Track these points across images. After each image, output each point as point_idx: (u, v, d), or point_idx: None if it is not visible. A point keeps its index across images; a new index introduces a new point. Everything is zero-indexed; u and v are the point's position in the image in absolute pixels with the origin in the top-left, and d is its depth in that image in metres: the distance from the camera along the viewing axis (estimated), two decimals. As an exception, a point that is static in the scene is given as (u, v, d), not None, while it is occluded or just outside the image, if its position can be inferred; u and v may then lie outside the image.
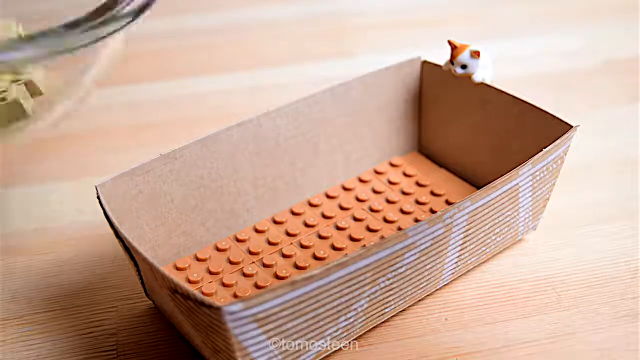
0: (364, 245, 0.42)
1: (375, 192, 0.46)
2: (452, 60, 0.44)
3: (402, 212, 0.45)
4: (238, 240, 0.42)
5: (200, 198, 0.42)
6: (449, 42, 0.44)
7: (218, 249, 0.42)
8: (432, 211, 0.45)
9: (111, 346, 0.38)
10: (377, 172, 0.48)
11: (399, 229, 0.43)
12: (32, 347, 0.38)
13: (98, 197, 0.36)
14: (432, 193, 0.46)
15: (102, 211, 0.36)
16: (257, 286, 0.39)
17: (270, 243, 0.42)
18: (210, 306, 0.29)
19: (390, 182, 0.47)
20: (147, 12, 0.35)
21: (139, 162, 0.39)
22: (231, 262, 0.41)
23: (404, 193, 0.46)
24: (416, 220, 0.44)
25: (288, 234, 0.43)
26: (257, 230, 0.43)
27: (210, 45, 0.71)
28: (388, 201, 0.45)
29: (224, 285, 0.39)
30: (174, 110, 0.60)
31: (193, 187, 0.42)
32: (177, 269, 0.41)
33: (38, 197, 0.50)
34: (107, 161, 0.53)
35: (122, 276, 0.43)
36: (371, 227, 0.43)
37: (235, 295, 0.39)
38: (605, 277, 0.41)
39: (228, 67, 0.66)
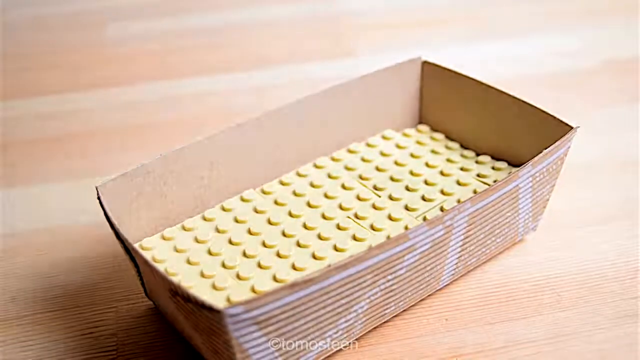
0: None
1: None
2: None
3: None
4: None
5: (200, 199, 0.42)
6: None
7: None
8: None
9: (111, 347, 0.38)
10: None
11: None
12: (33, 347, 0.38)
13: (98, 198, 0.36)
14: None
15: (102, 211, 0.36)
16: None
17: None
18: (210, 309, 0.29)
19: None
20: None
21: (140, 162, 0.39)
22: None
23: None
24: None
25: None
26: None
27: (210, 45, 0.71)
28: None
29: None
30: (174, 110, 0.60)
31: (193, 187, 0.42)
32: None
33: (38, 197, 0.50)
34: (107, 161, 0.53)
35: (122, 276, 0.43)
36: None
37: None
38: (605, 277, 0.41)
39: (228, 67, 0.66)
